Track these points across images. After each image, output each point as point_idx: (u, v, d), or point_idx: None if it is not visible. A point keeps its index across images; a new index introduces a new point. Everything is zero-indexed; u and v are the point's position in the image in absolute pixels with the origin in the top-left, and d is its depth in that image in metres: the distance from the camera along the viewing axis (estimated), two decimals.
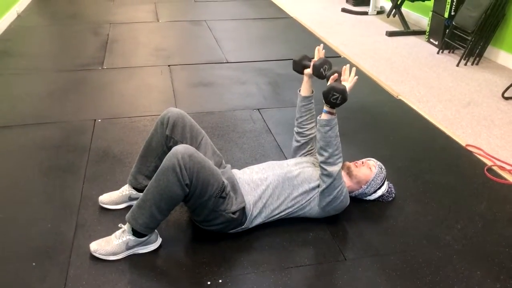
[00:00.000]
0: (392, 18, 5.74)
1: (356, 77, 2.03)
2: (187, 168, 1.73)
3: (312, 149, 2.30)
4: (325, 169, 1.97)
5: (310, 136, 2.28)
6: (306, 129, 2.27)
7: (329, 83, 1.97)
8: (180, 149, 1.76)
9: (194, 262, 1.88)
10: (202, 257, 1.90)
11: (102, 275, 1.80)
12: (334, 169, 1.97)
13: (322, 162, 1.98)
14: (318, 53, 2.20)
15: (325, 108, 1.96)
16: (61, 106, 3.23)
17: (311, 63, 2.15)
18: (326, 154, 1.97)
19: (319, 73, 2.11)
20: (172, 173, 1.72)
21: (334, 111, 1.95)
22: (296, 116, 2.29)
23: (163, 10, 5.95)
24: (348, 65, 2.06)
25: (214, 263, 1.88)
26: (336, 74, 1.99)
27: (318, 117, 1.99)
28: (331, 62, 2.14)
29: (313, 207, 2.06)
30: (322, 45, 2.25)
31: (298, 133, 2.30)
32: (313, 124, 2.28)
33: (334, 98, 1.88)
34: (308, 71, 2.18)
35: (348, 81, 2.01)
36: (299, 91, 2.26)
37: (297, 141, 2.30)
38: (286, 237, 2.03)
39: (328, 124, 1.94)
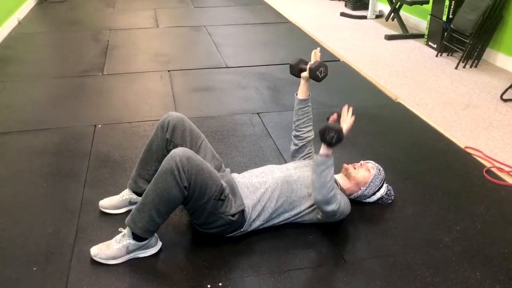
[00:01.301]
0: (391, 22, 5.77)
1: (353, 117, 2.03)
2: (185, 170, 1.74)
3: (310, 152, 2.31)
4: (322, 209, 1.95)
5: (308, 139, 2.29)
6: (303, 132, 2.28)
7: (327, 123, 1.95)
8: (178, 151, 1.77)
9: (194, 266, 1.88)
10: (202, 261, 1.91)
11: (103, 279, 1.81)
12: (330, 208, 1.94)
13: (317, 202, 1.95)
14: (315, 56, 2.22)
15: (322, 147, 1.93)
16: (61, 112, 3.24)
17: (308, 67, 2.17)
18: (319, 198, 1.92)
19: (315, 76, 2.13)
20: (170, 176, 1.73)
21: (330, 151, 1.92)
22: (294, 119, 2.30)
23: (163, 16, 5.98)
24: (346, 106, 2.07)
25: (214, 266, 1.88)
26: (335, 115, 2.02)
27: (314, 156, 1.99)
28: (327, 65, 2.15)
29: (312, 218, 2.07)
30: (319, 48, 2.27)
31: (295, 136, 2.31)
32: (310, 127, 2.29)
33: (330, 137, 1.87)
34: (305, 74, 2.20)
35: (345, 122, 2.02)
36: (296, 94, 2.27)
37: (295, 145, 2.31)
38: (286, 240, 2.04)
39: (324, 163, 1.91)
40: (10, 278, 1.82)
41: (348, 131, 2.00)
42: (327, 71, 2.13)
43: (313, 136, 2.30)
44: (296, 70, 2.25)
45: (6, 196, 2.32)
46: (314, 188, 1.95)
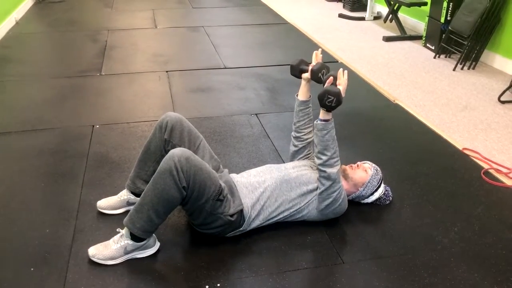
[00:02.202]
0: (389, 24, 5.78)
1: (346, 77, 2.03)
2: (184, 170, 1.74)
3: (309, 153, 2.31)
4: (324, 171, 1.98)
5: (308, 140, 2.29)
6: (303, 133, 2.28)
7: (324, 86, 1.98)
8: (177, 152, 1.77)
9: (192, 266, 1.88)
10: (201, 261, 1.91)
11: (101, 280, 1.80)
12: (332, 170, 1.98)
13: (320, 164, 1.99)
14: (316, 58, 2.22)
15: (321, 112, 1.98)
16: (59, 112, 3.24)
17: (309, 68, 2.17)
18: (324, 157, 1.98)
19: (318, 78, 2.13)
20: (169, 176, 1.73)
21: (330, 115, 1.97)
22: (294, 120, 2.30)
23: (161, 16, 5.98)
24: (341, 69, 2.07)
25: (212, 267, 1.88)
26: (331, 78, 2.01)
27: (315, 122, 2.01)
28: (329, 67, 2.15)
29: (311, 211, 2.07)
30: (320, 49, 2.27)
31: (295, 137, 2.31)
32: (310, 129, 2.29)
33: (329, 101, 1.91)
34: (306, 75, 2.20)
35: (341, 85, 2.03)
36: (297, 95, 2.27)
37: (295, 146, 2.31)
38: (284, 240, 2.03)
39: (324, 128, 1.96)
40: (7, 278, 1.81)
41: (344, 92, 2.00)
42: (329, 72, 2.13)
43: (312, 139, 2.31)
44: (297, 71, 2.24)
45: (3, 196, 2.31)
46: (317, 152, 2.00)
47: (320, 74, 2.12)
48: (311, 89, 2.26)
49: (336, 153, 2.00)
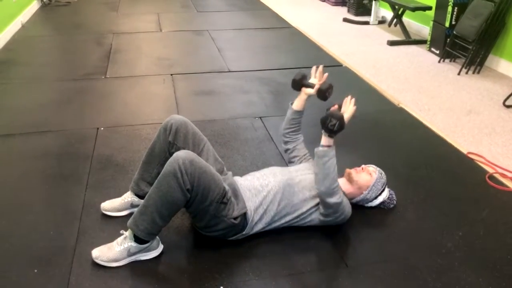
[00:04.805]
0: (394, 28, 5.78)
1: (355, 107, 2.05)
2: (188, 173, 1.74)
3: (306, 154, 2.34)
4: (325, 201, 1.96)
5: (298, 141, 2.35)
6: (292, 137, 2.35)
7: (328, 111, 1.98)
8: (181, 154, 1.77)
9: (196, 269, 1.88)
10: (204, 264, 1.90)
11: (104, 282, 1.80)
12: (332, 200, 1.95)
13: (321, 194, 1.96)
14: (320, 75, 2.22)
15: (323, 138, 1.96)
16: (64, 115, 3.25)
17: (316, 86, 2.18)
18: (323, 188, 1.94)
19: (324, 97, 2.16)
20: (173, 179, 1.73)
21: (332, 141, 1.95)
22: (284, 127, 2.34)
23: (166, 20, 6.00)
24: (349, 97, 2.09)
25: (216, 269, 1.88)
26: (336, 105, 2.03)
27: (315, 149, 1.99)
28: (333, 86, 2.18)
29: (314, 219, 2.07)
30: (322, 65, 2.26)
31: (285, 142, 2.36)
32: (300, 134, 2.36)
33: (332, 124, 1.90)
34: (309, 91, 2.22)
35: (347, 112, 2.03)
36: (291, 103, 2.29)
37: (287, 149, 2.36)
38: (288, 244, 2.03)
39: (326, 155, 1.94)
40: (11, 280, 1.81)
41: (349, 120, 2.00)
42: (332, 92, 2.18)
43: (302, 139, 2.36)
44: (298, 86, 2.28)
45: (8, 198, 2.32)
46: (317, 180, 1.96)
47: (327, 93, 2.15)
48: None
49: (336, 183, 1.95)
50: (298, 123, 2.33)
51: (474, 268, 1.92)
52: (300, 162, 2.30)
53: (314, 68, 2.25)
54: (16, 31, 5.31)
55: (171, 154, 2.02)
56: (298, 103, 2.28)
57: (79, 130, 3.03)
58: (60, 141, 2.89)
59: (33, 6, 6.29)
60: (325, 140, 1.96)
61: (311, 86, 2.22)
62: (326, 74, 2.22)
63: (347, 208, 2.05)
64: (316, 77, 2.23)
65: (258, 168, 2.59)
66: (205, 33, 5.40)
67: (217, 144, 2.88)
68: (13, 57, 4.47)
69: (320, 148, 1.96)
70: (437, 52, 4.78)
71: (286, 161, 2.41)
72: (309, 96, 2.24)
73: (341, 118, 1.91)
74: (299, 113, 2.29)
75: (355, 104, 2.06)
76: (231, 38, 5.26)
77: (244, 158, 2.74)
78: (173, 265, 1.90)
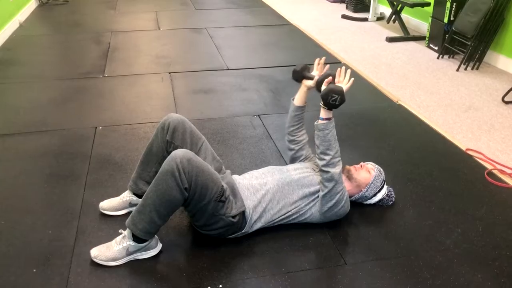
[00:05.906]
0: (392, 24, 5.77)
1: (352, 79, 2.04)
2: (186, 172, 1.73)
3: (309, 155, 2.31)
4: (327, 172, 1.97)
5: (303, 142, 2.30)
6: (298, 136, 2.30)
7: (324, 86, 1.98)
8: (179, 153, 1.77)
9: (194, 267, 1.88)
10: (203, 262, 1.90)
11: (103, 281, 1.80)
12: (335, 170, 1.97)
13: (324, 165, 1.98)
14: (321, 67, 2.20)
15: (322, 112, 1.97)
16: (62, 114, 3.25)
17: (315, 78, 2.14)
18: (327, 157, 1.97)
19: (321, 90, 2.11)
20: (171, 177, 1.73)
21: (331, 114, 1.97)
22: (287, 125, 2.31)
23: (164, 18, 5.99)
24: (343, 67, 2.07)
25: (214, 268, 1.88)
26: (330, 78, 2.01)
27: (315, 122, 2.00)
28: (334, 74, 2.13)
29: (313, 213, 2.06)
30: (324, 57, 2.24)
31: (290, 141, 2.32)
32: (304, 131, 2.31)
33: (333, 99, 1.91)
34: (309, 83, 2.18)
35: (343, 83, 2.02)
36: (293, 99, 2.27)
37: (291, 149, 2.32)
38: (286, 241, 2.03)
39: (326, 127, 1.96)
40: (10, 280, 1.81)
41: (347, 91, 1.99)
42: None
43: (307, 139, 2.32)
44: (299, 77, 2.22)
45: (6, 197, 2.32)
46: (320, 152, 1.99)
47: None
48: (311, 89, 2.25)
49: (338, 153, 2.00)
50: (301, 119, 2.29)
51: (473, 265, 1.92)
52: (303, 162, 2.29)
53: (317, 60, 2.23)
54: (14, 30, 5.30)
55: (169, 153, 2.01)
56: (299, 97, 2.25)
57: (78, 129, 3.03)
58: (58, 140, 2.88)
59: (31, 5, 6.28)
60: (324, 113, 1.97)
61: (311, 78, 2.18)
62: (327, 66, 2.19)
63: (347, 199, 2.05)
64: (318, 70, 2.22)
65: (256, 166, 2.59)
66: (204, 31, 5.39)
67: (215, 142, 2.87)
68: (11, 57, 4.46)
69: (320, 121, 1.97)
70: (436, 48, 4.77)
71: (288, 158, 2.38)
72: (309, 89, 2.21)
73: (341, 92, 1.91)
74: (301, 108, 2.26)
75: (351, 76, 2.04)
76: (229, 35, 5.25)
77: (243, 157, 2.74)
78: (171, 264, 1.90)
